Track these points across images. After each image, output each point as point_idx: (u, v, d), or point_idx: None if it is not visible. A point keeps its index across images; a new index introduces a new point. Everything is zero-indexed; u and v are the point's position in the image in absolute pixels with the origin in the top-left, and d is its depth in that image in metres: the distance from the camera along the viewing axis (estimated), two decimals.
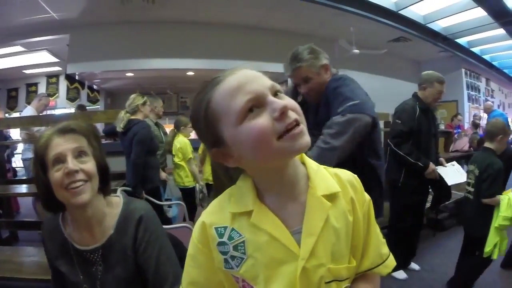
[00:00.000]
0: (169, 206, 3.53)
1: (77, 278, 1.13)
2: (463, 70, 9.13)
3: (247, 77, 0.64)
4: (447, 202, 4.48)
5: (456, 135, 6.09)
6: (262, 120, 0.61)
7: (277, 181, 0.70)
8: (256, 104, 0.62)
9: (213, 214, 0.74)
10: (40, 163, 1.04)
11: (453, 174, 2.99)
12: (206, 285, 0.75)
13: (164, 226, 2.54)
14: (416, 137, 2.82)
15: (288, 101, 0.64)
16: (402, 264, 2.96)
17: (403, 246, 2.93)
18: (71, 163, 1.01)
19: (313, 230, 0.69)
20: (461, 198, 3.23)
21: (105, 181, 1.14)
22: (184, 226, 2.63)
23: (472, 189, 2.56)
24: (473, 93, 9.34)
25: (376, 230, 0.78)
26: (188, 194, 4.03)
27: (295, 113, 0.64)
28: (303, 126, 0.64)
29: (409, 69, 9.08)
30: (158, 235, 1.15)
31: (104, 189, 1.15)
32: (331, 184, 0.73)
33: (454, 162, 3.18)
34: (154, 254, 1.12)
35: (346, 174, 0.77)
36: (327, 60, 1.88)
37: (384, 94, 5.77)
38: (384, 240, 0.78)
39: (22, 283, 2.28)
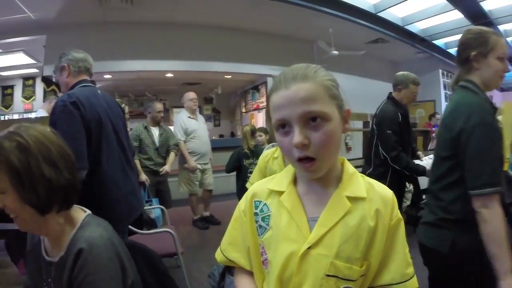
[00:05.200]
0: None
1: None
2: (440, 70, 9.33)
3: (287, 100, 0.75)
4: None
5: (434, 134, 6.21)
6: (286, 142, 0.76)
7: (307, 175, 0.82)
8: (286, 123, 0.75)
9: (257, 187, 0.92)
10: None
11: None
12: (241, 247, 0.90)
13: (147, 232, 2.52)
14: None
15: (304, 138, 0.73)
16: None
17: None
18: None
19: (327, 223, 0.77)
20: None
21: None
22: (165, 231, 2.60)
23: None
24: (450, 92, 9.48)
25: (403, 249, 0.81)
26: None
27: (314, 147, 0.73)
28: (314, 163, 0.74)
29: (387, 70, 9.20)
30: (95, 279, 0.92)
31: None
32: (359, 189, 0.81)
33: (432, 155, 3.22)
34: None
35: (382, 189, 0.84)
36: (68, 61, 2.02)
37: (362, 94, 5.84)
38: (411, 261, 0.81)
39: None
